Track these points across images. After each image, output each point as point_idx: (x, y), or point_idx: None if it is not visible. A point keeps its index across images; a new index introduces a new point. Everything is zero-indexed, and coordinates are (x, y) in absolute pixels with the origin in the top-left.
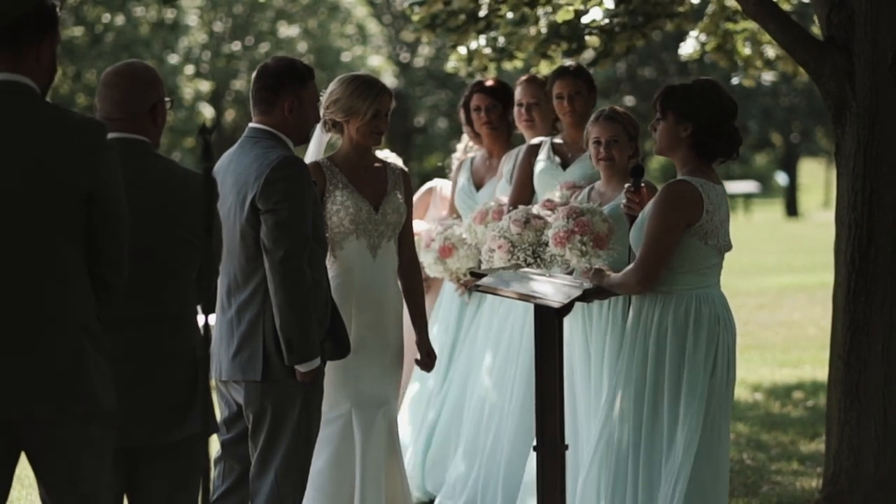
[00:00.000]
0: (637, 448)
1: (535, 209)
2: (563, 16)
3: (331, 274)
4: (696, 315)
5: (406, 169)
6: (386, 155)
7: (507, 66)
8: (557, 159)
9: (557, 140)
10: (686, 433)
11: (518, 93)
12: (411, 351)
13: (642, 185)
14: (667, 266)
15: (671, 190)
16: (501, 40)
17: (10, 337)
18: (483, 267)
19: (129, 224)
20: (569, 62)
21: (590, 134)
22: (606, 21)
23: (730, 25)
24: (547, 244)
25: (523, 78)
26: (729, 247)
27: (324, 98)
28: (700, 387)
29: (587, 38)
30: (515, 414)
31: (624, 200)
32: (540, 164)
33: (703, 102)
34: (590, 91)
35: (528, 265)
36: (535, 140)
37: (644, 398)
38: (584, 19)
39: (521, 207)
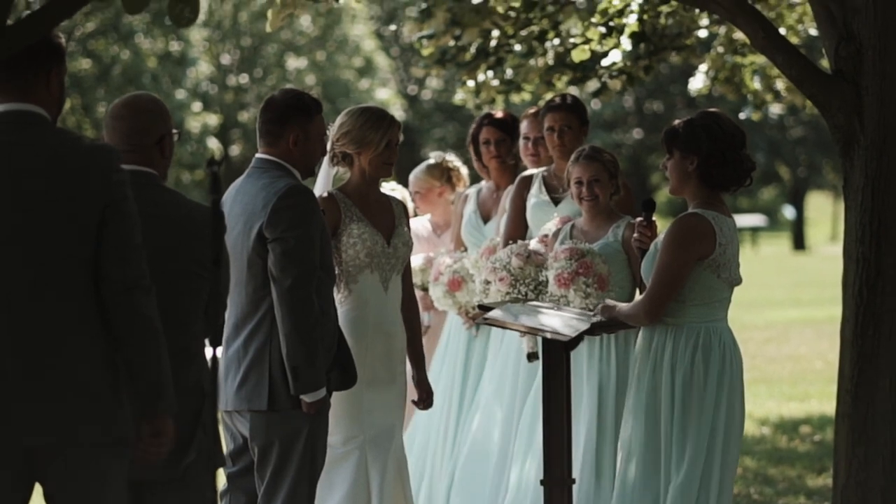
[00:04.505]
0: (645, 480)
1: (533, 244)
2: (579, 55)
3: (345, 307)
4: (705, 348)
5: (410, 202)
6: (393, 187)
7: (515, 98)
8: (546, 197)
9: (548, 173)
10: (687, 466)
11: (524, 126)
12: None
13: (653, 219)
14: (675, 298)
15: (683, 223)
16: (509, 72)
17: (30, 365)
18: (479, 299)
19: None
20: (571, 91)
21: (571, 174)
22: (629, 63)
23: (738, 59)
24: (546, 282)
25: (530, 111)
26: (739, 280)
27: (332, 131)
28: (707, 421)
29: (609, 81)
30: (522, 449)
31: (636, 234)
32: (532, 198)
33: (705, 133)
34: (581, 125)
35: (529, 300)
36: (527, 172)
37: (652, 431)
38: (605, 62)
39: (520, 242)
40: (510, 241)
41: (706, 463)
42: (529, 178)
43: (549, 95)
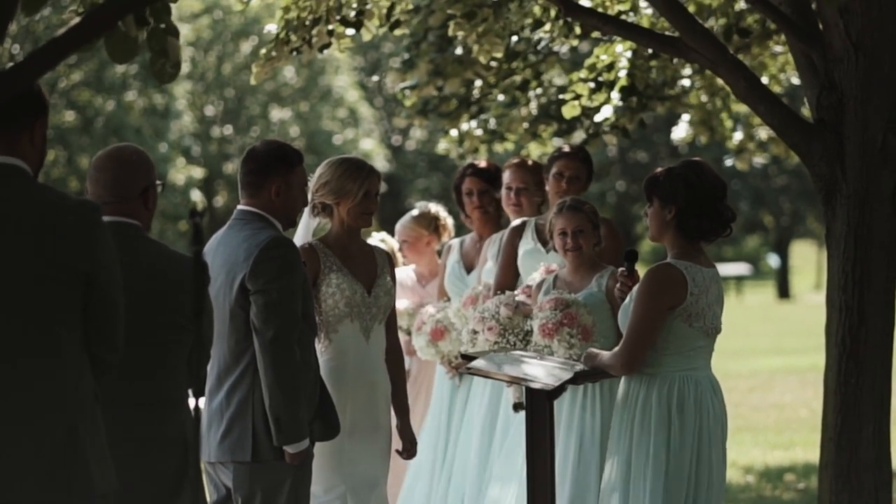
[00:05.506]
0: None
1: (517, 295)
2: (570, 112)
3: (325, 357)
4: (680, 397)
5: (396, 251)
6: (383, 238)
7: (499, 148)
8: (538, 246)
9: (541, 221)
10: None
11: (507, 176)
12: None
13: (634, 269)
14: (651, 348)
15: (655, 273)
16: (493, 122)
17: (4, 422)
18: (465, 348)
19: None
20: (556, 142)
21: (554, 226)
22: (620, 117)
23: (718, 104)
24: (530, 332)
25: (513, 161)
26: (717, 329)
27: (312, 182)
28: (684, 469)
29: (604, 136)
30: (494, 494)
31: (618, 285)
32: (524, 246)
33: (683, 183)
34: (588, 178)
35: (517, 349)
36: (518, 221)
37: (630, 479)
38: (598, 118)
39: (507, 293)
40: (500, 291)
41: None
42: (522, 227)
43: (534, 148)
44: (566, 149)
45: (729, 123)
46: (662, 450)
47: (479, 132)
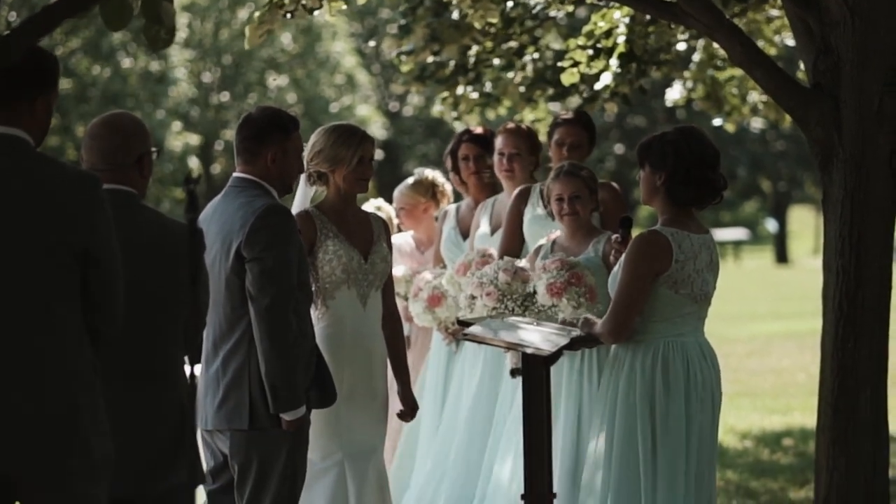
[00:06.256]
0: (617, 497)
1: (521, 262)
2: (569, 79)
3: (322, 324)
4: (665, 362)
5: (395, 218)
6: (379, 205)
7: (491, 114)
8: (543, 212)
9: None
10: (666, 481)
11: (499, 142)
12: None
13: (629, 236)
14: (638, 316)
15: (641, 241)
16: (488, 86)
17: (5, 395)
18: (462, 315)
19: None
20: (552, 107)
21: (551, 191)
22: (619, 83)
23: (717, 74)
24: (532, 295)
25: (505, 127)
26: (707, 295)
27: (307, 150)
28: (675, 435)
29: (604, 103)
30: (498, 464)
31: (613, 251)
32: (530, 212)
33: (673, 150)
34: (590, 143)
35: (516, 315)
36: (523, 186)
37: (612, 447)
38: (597, 85)
39: (506, 259)
40: (505, 256)
41: (680, 477)
42: (527, 192)
43: (528, 113)
44: (567, 115)
45: (736, 100)
46: (650, 415)
47: (474, 95)
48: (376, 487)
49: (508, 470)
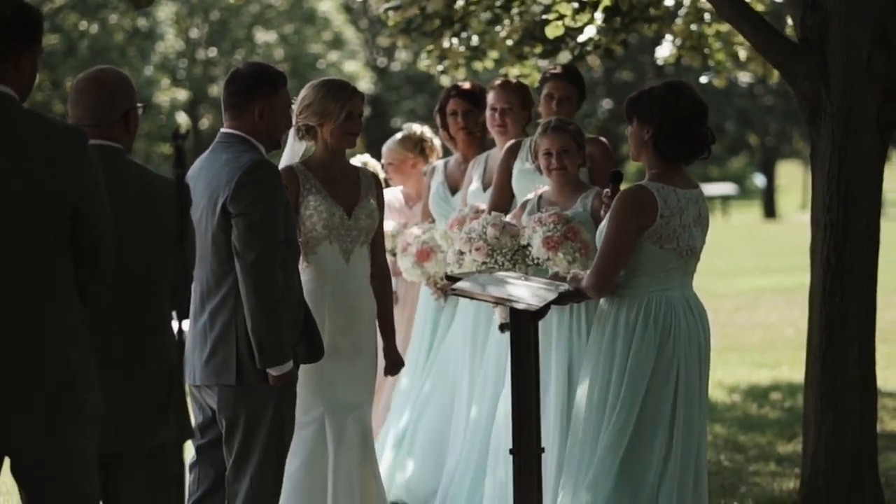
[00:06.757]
0: (593, 449)
1: (508, 217)
2: (553, 32)
3: (304, 279)
4: (646, 314)
5: (381, 174)
6: (366, 160)
7: (479, 66)
8: (532, 166)
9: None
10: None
11: (491, 97)
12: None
13: (619, 190)
14: (622, 270)
15: (626, 195)
16: (475, 39)
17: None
18: (451, 269)
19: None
20: (542, 64)
21: (539, 146)
22: (604, 37)
23: (704, 29)
24: (521, 249)
25: (497, 82)
26: (692, 250)
27: (295, 105)
28: (638, 388)
29: (588, 58)
30: (486, 419)
31: (603, 206)
32: (518, 166)
33: (660, 105)
34: (579, 98)
35: (505, 270)
36: (513, 141)
37: (595, 399)
38: (581, 38)
39: (494, 214)
40: (494, 210)
41: (666, 429)
42: (517, 146)
43: (516, 68)
44: (556, 70)
45: (721, 56)
46: (632, 367)
47: (461, 49)
48: (358, 443)
49: (485, 419)
